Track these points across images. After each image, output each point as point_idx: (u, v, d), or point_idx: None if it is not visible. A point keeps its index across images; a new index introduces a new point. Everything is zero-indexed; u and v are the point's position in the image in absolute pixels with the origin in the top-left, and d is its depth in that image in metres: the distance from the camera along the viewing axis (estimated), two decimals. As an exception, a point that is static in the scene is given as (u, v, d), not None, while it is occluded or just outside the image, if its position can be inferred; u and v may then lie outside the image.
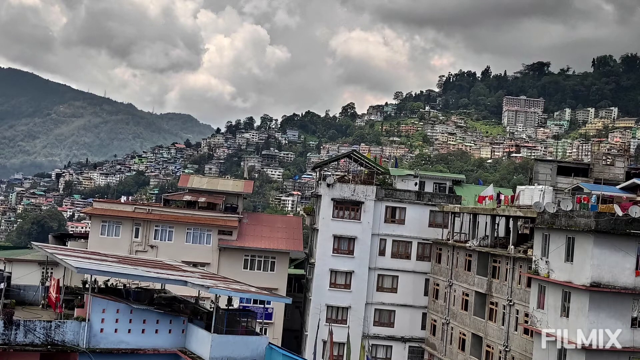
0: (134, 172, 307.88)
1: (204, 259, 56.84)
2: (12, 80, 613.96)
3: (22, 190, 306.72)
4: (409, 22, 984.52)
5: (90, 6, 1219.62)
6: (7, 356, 26.50)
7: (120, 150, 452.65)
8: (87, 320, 27.46)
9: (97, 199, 70.32)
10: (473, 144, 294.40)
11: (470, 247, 50.21)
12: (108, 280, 32.58)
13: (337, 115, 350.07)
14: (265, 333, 40.91)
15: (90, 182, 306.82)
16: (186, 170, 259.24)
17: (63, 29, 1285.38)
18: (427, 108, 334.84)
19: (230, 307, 31.73)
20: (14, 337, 26.37)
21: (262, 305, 45.83)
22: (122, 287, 32.16)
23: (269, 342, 29.54)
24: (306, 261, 66.31)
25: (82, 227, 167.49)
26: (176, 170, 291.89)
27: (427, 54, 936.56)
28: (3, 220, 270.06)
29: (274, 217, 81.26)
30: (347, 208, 59.02)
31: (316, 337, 50.61)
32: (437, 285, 55.97)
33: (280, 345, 38.56)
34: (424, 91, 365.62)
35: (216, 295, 29.43)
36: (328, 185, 59.09)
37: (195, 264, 51.34)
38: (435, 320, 55.65)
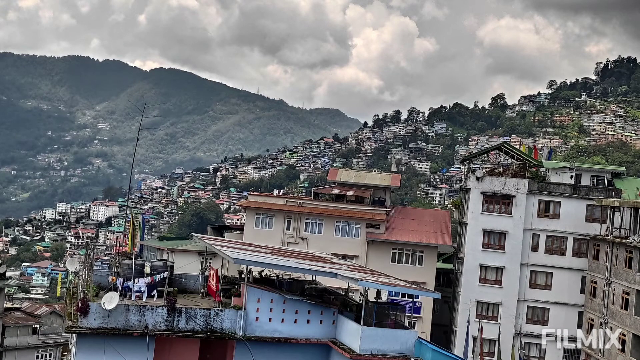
0: (285, 166, 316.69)
1: (352, 252, 57.67)
2: (173, 80, 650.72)
3: (183, 184, 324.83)
4: (563, 8, 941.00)
5: (243, 5, 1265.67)
6: (170, 341, 28.15)
7: (272, 145, 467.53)
8: (243, 309, 28.68)
9: (251, 192, 73.34)
10: (634, 134, 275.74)
11: (631, 243, 47.47)
12: (262, 270, 33.83)
13: (486, 107, 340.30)
14: (413, 327, 40.93)
15: (245, 176, 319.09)
16: (334, 164, 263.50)
17: (218, 29, 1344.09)
18: (583, 97, 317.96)
19: (379, 300, 32.00)
20: (176, 324, 27.87)
21: (411, 299, 45.84)
22: (275, 278, 33.25)
23: (418, 337, 29.49)
24: (455, 256, 65.47)
25: (238, 219, 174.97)
26: (325, 164, 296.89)
27: (581, 41, 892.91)
28: (166, 213, 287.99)
29: (422, 210, 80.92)
30: (497, 202, 57.58)
31: (467, 333, 49.90)
32: (595, 283, 53.35)
33: (429, 340, 38.40)
34: (580, 79, 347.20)
35: (365, 288, 29.80)
36: (477, 178, 57.96)
37: (344, 257, 52.16)
38: (592, 320, 53.08)
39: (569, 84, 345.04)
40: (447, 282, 66.70)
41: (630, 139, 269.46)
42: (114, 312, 26.65)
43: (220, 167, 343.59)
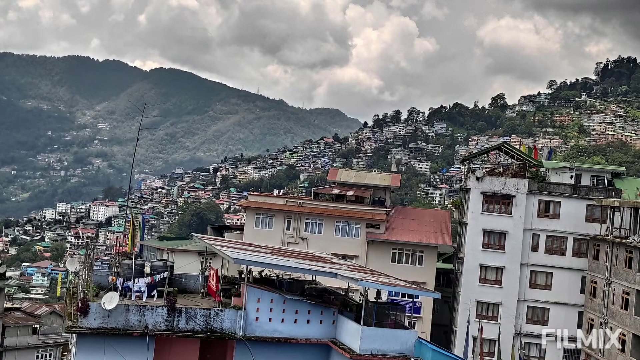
0: (285, 166, 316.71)
1: (352, 252, 57.66)
2: (173, 80, 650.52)
3: (183, 184, 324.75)
4: (563, 8, 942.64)
5: (243, 5, 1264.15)
6: (170, 341, 28.13)
7: (272, 145, 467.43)
8: (243, 309, 28.66)
9: (251, 192, 73.34)
10: (634, 134, 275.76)
11: (631, 243, 47.45)
12: (262, 270, 33.81)
13: (486, 107, 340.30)
14: (413, 327, 40.92)
15: (245, 176, 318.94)
16: (334, 164, 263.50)
17: (218, 29, 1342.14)
18: (583, 97, 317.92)
19: (379, 300, 31.98)
20: (176, 324, 27.85)
21: (411, 299, 45.82)
22: (275, 278, 33.23)
23: (418, 337, 29.48)
24: (455, 256, 65.46)
25: (238, 219, 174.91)
26: (325, 164, 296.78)
27: (581, 41, 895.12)
28: (166, 213, 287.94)
29: (422, 210, 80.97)
30: (497, 202, 57.58)
31: (467, 333, 49.88)
32: (595, 283, 53.34)
33: (429, 340, 38.38)
34: (580, 79, 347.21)
35: (365, 288, 29.79)
36: (477, 178, 57.96)
37: (344, 257, 52.14)
38: (592, 320, 53.08)
39: (569, 84, 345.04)
40: (447, 282, 66.70)
41: (630, 139, 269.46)
42: (114, 312, 26.65)
43: (220, 167, 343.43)
